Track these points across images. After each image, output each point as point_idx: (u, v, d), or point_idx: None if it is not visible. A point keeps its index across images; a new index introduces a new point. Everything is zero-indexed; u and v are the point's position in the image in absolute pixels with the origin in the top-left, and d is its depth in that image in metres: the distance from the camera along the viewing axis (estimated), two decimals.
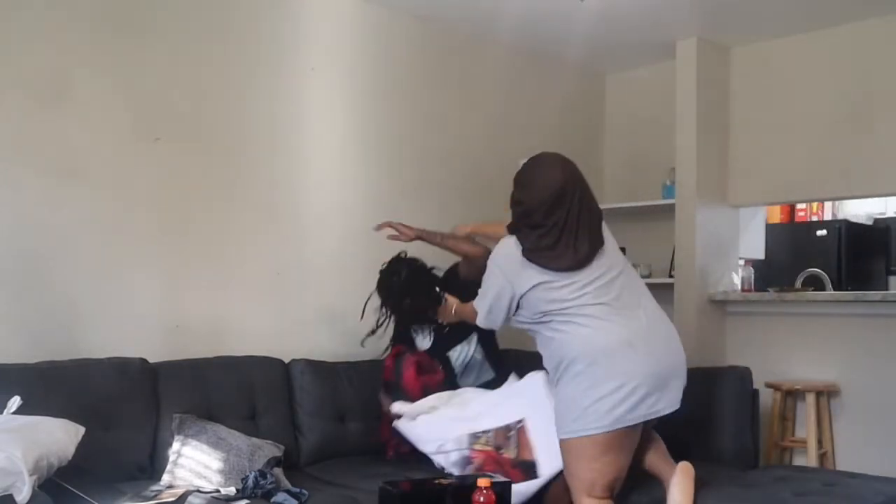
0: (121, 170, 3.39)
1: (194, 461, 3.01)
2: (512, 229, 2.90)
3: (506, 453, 2.85)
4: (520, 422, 2.86)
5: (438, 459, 3.04)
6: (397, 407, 3.23)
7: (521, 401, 2.97)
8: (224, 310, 3.68)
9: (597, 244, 2.81)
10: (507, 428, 2.85)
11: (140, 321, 3.43)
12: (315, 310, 3.98)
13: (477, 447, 2.89)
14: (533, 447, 2.85)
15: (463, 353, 3.62)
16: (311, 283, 3.98)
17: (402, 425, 3.18)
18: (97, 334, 3.29)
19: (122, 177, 3.40)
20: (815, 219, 6.16)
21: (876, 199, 6.31)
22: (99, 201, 3.33)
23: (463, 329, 3.51)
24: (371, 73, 4.27)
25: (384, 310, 3.60)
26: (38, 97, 3.19)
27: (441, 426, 3.03)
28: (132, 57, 3.44)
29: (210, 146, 3.67)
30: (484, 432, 2.90)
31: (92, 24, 3.33)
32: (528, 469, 2.86)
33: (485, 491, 2.52)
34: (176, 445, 3.07)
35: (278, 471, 3.07)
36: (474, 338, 3.63)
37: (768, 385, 4.36)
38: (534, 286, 2.79)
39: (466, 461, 2.93)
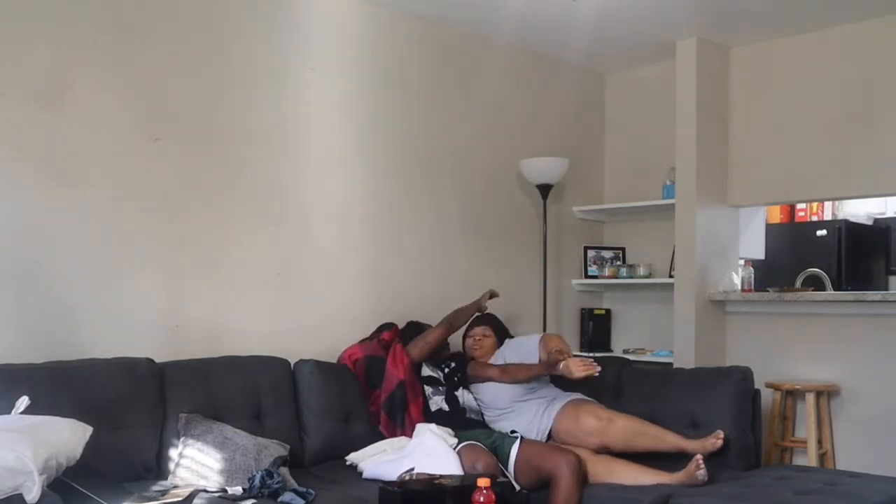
0: (120, 170, 3.39)
1: (200, 461, 3.01)
2: None
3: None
4: (412, 469, 3.21)
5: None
6: (351, 458, 3.47)
7: (409, 452, 3.35)
8: (223, 310, 3.67)
9: None
10: (409, 473, 3.19)
11: (140, 321, 3.42)
12: (314, 310, 3.98)
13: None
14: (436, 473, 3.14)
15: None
16: (310, 283, 3.98)
17: (360, 468, 3.41)
18: (97, 334, 3.29)
19: (122, 177, 3.40)
20: (815, 219, 6.15)
21: (876, 199, 6.31)
22: (99, 201, 3.33)
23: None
24: (371, 73, 4.27)
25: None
26: (38, 97, 3.19)
27: (383, 467, 3.33)
28: (132, 57, 3.43)
29: (210, 146, 3.67)
30: (408, 471, 3.23)
31: (92, 24, 3.33)
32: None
33: (485, 491, 2.53)
34: (182, 445, 3.07)
35: (284, 470, 3.07)
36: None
37: (768, 385, 4.36)
38: None
39: None
